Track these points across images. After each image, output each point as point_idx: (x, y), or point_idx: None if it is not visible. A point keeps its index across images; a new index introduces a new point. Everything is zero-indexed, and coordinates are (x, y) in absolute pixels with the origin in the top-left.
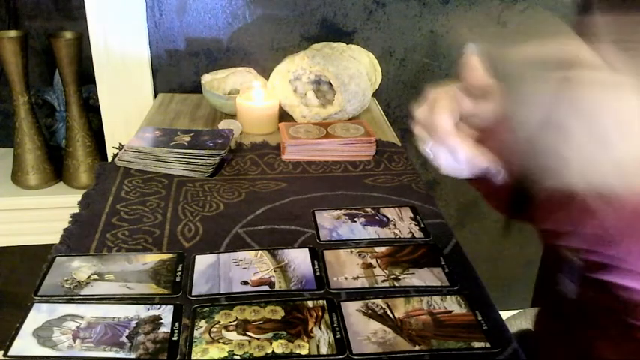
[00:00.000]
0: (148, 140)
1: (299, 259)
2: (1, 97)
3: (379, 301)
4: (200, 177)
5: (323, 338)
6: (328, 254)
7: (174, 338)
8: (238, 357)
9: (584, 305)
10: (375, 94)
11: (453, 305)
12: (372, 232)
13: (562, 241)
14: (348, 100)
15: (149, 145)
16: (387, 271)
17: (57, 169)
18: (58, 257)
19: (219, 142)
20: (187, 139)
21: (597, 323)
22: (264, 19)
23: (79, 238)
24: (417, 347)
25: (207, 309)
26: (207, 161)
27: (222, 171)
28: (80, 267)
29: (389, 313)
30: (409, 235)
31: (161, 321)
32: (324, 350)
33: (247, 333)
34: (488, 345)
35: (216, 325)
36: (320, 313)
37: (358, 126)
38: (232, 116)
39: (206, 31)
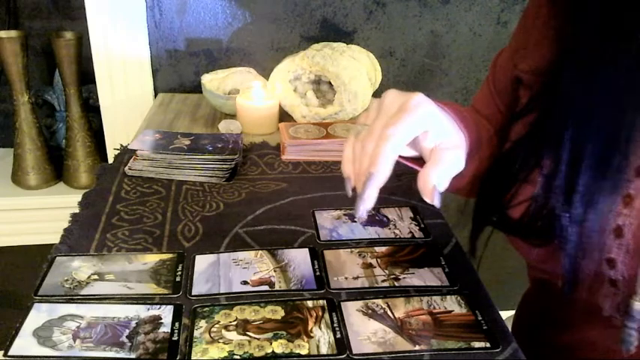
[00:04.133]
0: (149, 143)
1: (299, 259)
2: (1, 97)
3: (379, 301)
4: (217, 182)
5: (323, 338)
6: (328, 254)
7: (175, 338)
8: (238, 357)
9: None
10: (375, 94)
11: (453, 305)
12: (372, 232)
13: None
14: (348, 100)
15: (149, 149)
16: (387, 271)
17: (57, 169)
18: (58, 257)
19: (230, 146)
20: (187, 142)
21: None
22: (264, 19)
23: (79, 238)
24: (417, 347)
25: (207, 309)
26: (224, 166)
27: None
28: (80, 267)
29: (389, 313)
30: (409, 235)
31: (161, 321)
32: (324, 350)
33: (247, 333)
34: (488, 345)
35: (216, 325)
36: (320, 313)
37: None
38: (232, 116)
39: (206, 31)
